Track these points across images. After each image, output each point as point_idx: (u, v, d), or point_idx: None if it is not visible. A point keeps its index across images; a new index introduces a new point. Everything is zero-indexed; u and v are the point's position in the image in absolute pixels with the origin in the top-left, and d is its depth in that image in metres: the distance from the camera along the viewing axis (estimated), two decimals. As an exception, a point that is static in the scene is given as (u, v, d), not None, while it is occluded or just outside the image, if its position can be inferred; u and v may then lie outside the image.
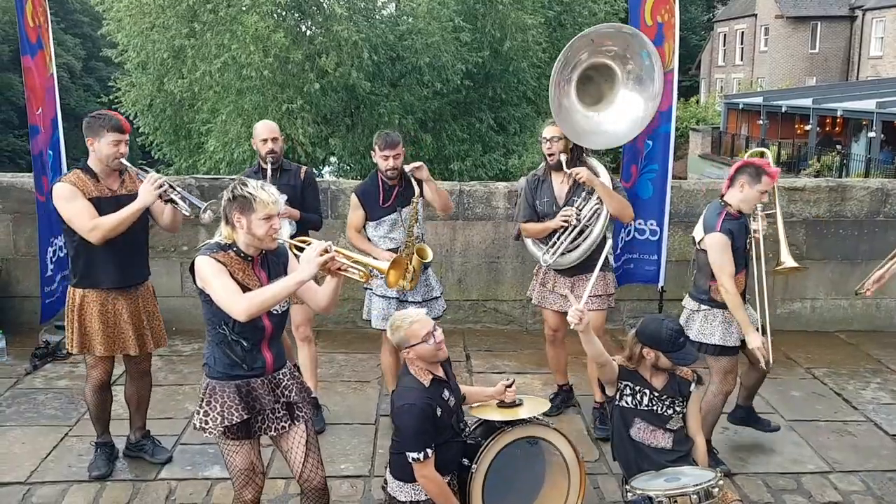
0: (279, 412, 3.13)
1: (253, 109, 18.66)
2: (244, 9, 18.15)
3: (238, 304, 2.85)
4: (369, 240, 4.45)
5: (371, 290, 4.54)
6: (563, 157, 4.34)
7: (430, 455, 3.08)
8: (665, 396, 3.36)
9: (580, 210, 4.33)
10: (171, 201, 3.77)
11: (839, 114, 24.84)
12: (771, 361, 4.04)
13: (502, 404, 3.43)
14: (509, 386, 3.45)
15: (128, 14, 19.39)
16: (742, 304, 3.95)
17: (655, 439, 3.36)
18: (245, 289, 2.94)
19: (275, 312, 3.06)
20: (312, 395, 4.57)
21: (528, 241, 4.63)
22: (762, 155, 4.37)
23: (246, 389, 3.05)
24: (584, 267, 4.40)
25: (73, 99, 33.59)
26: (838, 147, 25.48)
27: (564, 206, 4.39)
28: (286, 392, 3.14)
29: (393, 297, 4.43)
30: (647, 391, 3.37)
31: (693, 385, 3.41)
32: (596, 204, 4.33)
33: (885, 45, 32.82)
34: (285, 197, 4.36)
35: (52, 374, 5.26)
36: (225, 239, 3.01)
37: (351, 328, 6.29)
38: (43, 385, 5.15)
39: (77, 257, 3.80)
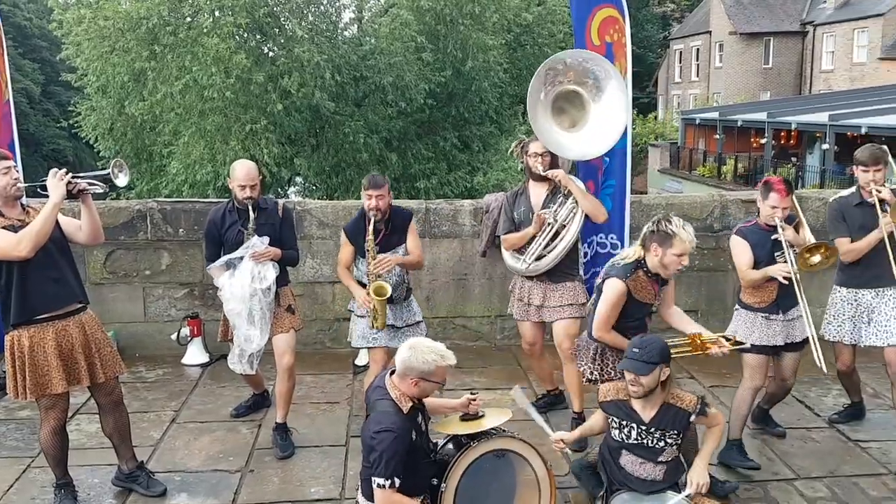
0: None
1: (216, 131, 18.57)
2: (205, 31, 18.08)
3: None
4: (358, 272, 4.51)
5: (353, 311, 4.59)
6: (541, 166, 4.51)
7: (396, 484, 3.06)
8: (654, 429, 3.36)
9: (556, 212, 4.47)
10: (82, 191, 3.67)
11: (793, 127, 25.47)
12: (821, 361, 4.12)
13: (465, 417, 3.45)
14: (473, 400, 3.46)
15: (87, 38, 19.18)
16: (759, 272, 4.16)
17: (645, 471, 3.37)
18: None
19: None
20: (281, 421, 4.56)
21: (507, 255, 4.70)
22: None
23: None
24: (556, 273, 4.52)
25: (32, 124, 33.03)
26: (793, 159, 26.14)
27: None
28: None
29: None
30: (635, 425, 3.38)
31: (693, 416, 3.39)
32: (572, 204, 4.48)
33: (836, 59, 33.83)
34: (267, 238, 4.36)
35: (12, 405, 5.12)
36: None
37: (319, 349, 6.25)
38: (3, 416, 5.01)
39: (8, 294, 3.62)
